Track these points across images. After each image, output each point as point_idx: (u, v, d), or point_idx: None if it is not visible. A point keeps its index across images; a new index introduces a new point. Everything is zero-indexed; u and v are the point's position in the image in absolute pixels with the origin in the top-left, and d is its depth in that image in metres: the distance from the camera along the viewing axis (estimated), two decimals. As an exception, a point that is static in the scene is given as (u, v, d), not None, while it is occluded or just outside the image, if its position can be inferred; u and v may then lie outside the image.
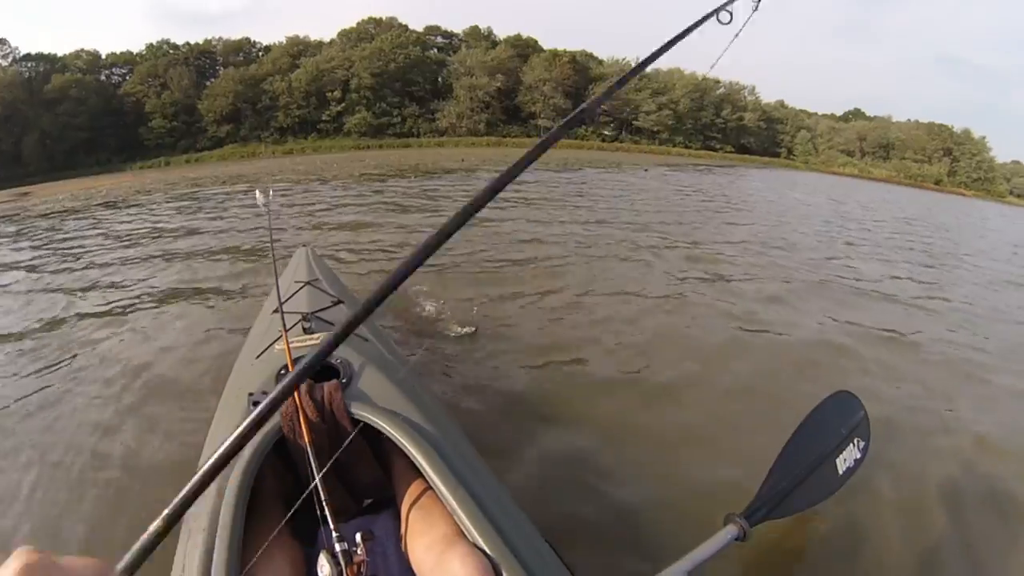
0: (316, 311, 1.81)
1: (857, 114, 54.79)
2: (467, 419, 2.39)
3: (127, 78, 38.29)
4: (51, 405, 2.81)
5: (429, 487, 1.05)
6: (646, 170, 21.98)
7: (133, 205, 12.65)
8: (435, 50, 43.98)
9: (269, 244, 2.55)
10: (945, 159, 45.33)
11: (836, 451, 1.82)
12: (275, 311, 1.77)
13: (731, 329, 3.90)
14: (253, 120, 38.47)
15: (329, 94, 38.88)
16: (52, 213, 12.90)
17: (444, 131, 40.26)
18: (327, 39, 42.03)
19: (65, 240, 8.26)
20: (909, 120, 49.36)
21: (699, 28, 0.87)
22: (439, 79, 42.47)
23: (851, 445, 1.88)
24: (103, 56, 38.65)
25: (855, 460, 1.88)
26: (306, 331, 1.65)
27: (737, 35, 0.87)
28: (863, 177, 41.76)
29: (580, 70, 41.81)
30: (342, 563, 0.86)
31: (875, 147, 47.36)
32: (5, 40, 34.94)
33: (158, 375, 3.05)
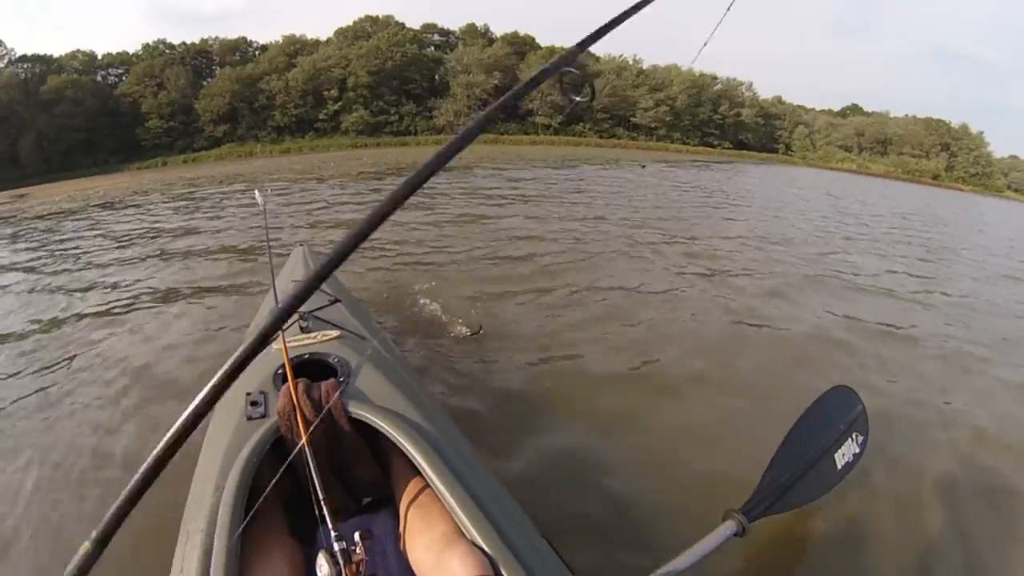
0: (313, 310, 1.81)
1: (855, 110, 54.72)
2: (465, 417, 2.39)
3: (123, 79, 37.96)
4: (51, 405, 2.81)
5: (428, 486, 1.05)
6: (644, 166, 21.91)
7: (130, 206, 12.60)
8: (432, 48, 43.72)
9: (266, 243, 2.55)
10: (943, 154, 45.25)
11: (835, 446, 1.82)
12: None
13: (729, 324, 3.91)
14: (250, 120, 38.27)
15: (326, 93, 38.65)
16: (49, 214, 12.84)
17: (441, 129, 40.06)
18: (324, 38, 41.90)
19: (63, 241, 8.23)
20: (907, 115, 49.26)
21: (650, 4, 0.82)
22: (436, 77, 42.24)
23: (849, 440, 1.87)
24: (99, 57, 38.41)
25: (854, 455, 1.88)
26: (303, 330, 1.65)
27: (719, 24, 0.87)
28: (861, 172, 41.64)
29: (577, 67, 41.59)
30: (341, 562, 0.85)
31: (873, 142, 47.26)
32: (1, 42, 34.81)
33: (158, 374, 3.05)
